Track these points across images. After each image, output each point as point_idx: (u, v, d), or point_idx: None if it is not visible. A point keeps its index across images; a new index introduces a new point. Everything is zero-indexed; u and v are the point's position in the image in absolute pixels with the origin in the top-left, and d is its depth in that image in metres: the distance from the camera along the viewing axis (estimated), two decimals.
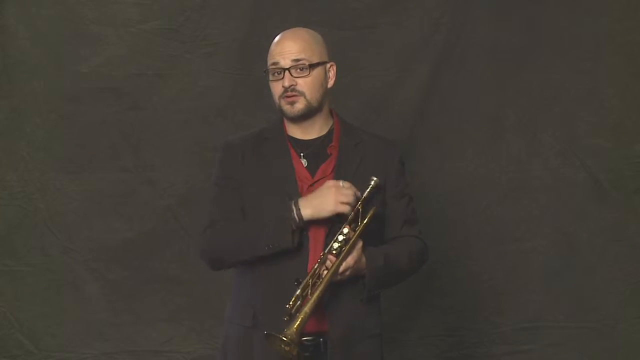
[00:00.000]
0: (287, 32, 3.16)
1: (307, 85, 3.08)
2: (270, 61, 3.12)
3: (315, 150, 3.13)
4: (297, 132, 3.15)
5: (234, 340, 3.11)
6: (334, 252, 2.96)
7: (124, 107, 4.18)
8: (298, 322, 2.88)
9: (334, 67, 3.16)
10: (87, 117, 4.17)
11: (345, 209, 2.99)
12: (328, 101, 3.17)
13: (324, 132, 3.15)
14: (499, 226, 4.17)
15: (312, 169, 3.10)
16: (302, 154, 3.13)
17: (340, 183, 3.00)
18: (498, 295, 4.17)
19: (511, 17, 4.15)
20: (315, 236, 3.04)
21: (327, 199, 2.99)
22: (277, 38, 3.15)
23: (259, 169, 3.11)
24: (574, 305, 4.15)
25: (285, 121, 3.18)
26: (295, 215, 3.00)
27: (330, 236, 3.02)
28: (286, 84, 3.07)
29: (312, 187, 3.08)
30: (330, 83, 3.16)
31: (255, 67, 4.05)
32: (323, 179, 3.09)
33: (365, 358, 3.07)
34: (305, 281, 2.94)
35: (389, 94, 4.19)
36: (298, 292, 2.93)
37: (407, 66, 4.17)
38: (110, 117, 4.18)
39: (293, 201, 3.01)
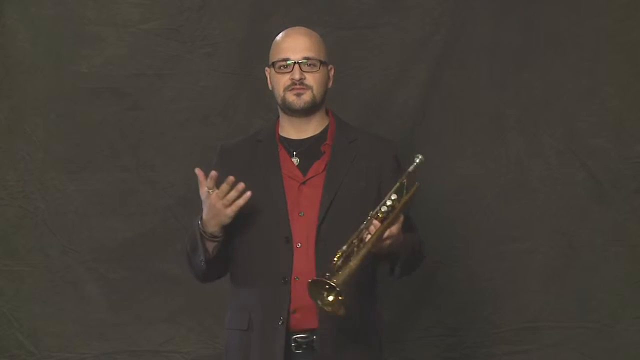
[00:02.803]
0: (296, 29, 3.19)
1: (315, 80, 3.11)
2: (278, 56, 3.13)
3: (308, 148, 3.14)
4: (291, 131, 3.17)
5: (233, 346, 3.13)
6: (380, 216, 2.93)
7: (124, 107, 4.18)
8: (346, 272, 2.80)
9: (333, 70, 3.20)
10: (87, 117, 4.18)
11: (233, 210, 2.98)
12: (325, 102, 3.19)
13: (318, 132, 3.17)
14: (499, 226, 4.17)
15: (304, 167, 3.12)
16: (294, 153, 3.13)
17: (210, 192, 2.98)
18: (498, 295, 4.17)
19: (511, 17, 4.15)
20: (300, 234, 3.05)
21: (206, 209, 3.00)
22: (283, 34, 3.17)
23: (251, 172, 3.12)
24: (574, 305, 4.15)
25: (280, 121, 3.19)
26: (201, 229, 3.04)
27: (322, 230, 3.03)
28: (297, 76, 3.08)
29: (303, 185, 3.09)
30: (330, 84, 3.19)
31: (255, 67, 4.05)
32: (315, 176, 3.10)
33: (360, 356, 3.07)
34: (350, 240, 2.89)
35: (389, 94, 4.19)
36: (344, 247, 2.88)
37: (407, 66, 4.17)
38: (110, 117, 4.18)
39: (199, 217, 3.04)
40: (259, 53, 3.99)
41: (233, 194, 2.98)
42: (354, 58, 4.14)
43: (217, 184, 3.13)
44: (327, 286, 2.80)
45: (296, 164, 3.13)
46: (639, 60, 4.14)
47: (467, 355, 4.16)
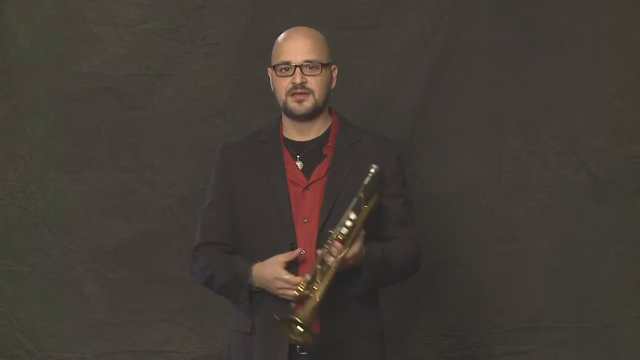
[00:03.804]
0: (297, 30, 3.15)
1: (317, 84, 3.07)
2: (279, 59, 3.10)
3: (311, 151, 3.12)
4: (294, 133, 3.15)
5: (235, 348, 3.12)
6: (341, 238, 2.91)
7: (124, 107, 4.18)
8: (311, 307, 2.82)
9: (337, 70, 3.17)
10: (87, 117, 4.17)
11: (289, 294, 2.96)
12: (328, 103, 3.18)
13: (321, 133, 3.14)
14: (499, 226, 4.17)
15: (307, 171, 3.10)
16: (298, 157, 3.12)
17: (284, 276, 2.95)
18: (498, 295, 4.17)
19: (511, 17, 4.15)
20: (304, 240, 3.04)
21: (270, 286, 2.99)
22: (284, 35, 3.14)
23: (254, 174, 3.11)
24: (574, 305, 4.15)
25: (283, 122, 3.17)
26: (250, 281, 3.03)
27: (322, 236, 3.01)
28: (298, 80, 3.05)
29: (306, 189, 3.07)
30: (333, 85, 3.17)
31: (255, 67, 4.06)
32: (317, 180, 3.08)
33: (362, 358, 3.06)
34: (313, 268, 2.90)
35: (389, 94, 4.18)
36: (308, 276, 2.88)
37: (407, 66, 4.17)
38: (110, 117, 4.18)
39: (252, 267, 3.01)
40: (259, 53, 4.00)
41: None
42: (354, 58, 4.14)
43: (225, 186, 3.12)
44: (294, 322, 2.80)
45: (300, 167, 3.11)
46: (639, 60, 4.14)
47: (467, 355, 4.16)
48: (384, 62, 4.17)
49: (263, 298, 3.05)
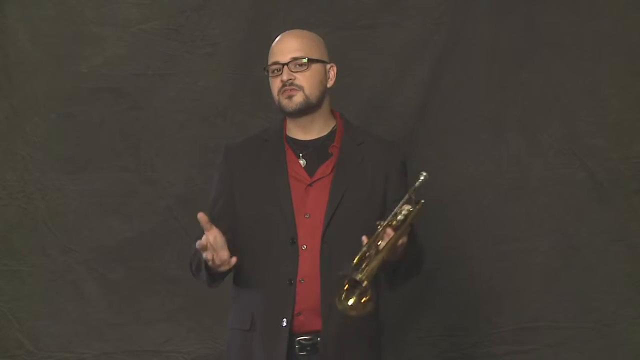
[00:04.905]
0: (288, 32, 3.21)
1: (305, 79, 3.10)
2: (270, 60, 3.15)
3: (315, 150, 3.14)
4: (297, 132, 3.17)
5: (235, 345, 3.13)
6: (394, 224, 2.90)
7: (124, 107, 4.18)
8: (373, 265, 2.78)
9: (335, 69, 3.19)
10: (87, 117, 4.18)
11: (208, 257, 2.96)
12: (329, 102, 3.18)
13: (325, 133, 3.16)
14: (499, 226, 4.17)
15: (310, 168, 3.11)
16: (300, 154, 3.13)
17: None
18: (498, 295, 4.17)
19: (511, 17, 4.15)
20: (306, 235, 3.05)
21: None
22: (276, 39, 3.19)
23: (256, 172, 3.12)
24: (574, 305, 4.15)
25: (287, 121, 3.19)
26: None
27: (328, 231, 3.03)
28: (284, 77, 3.09)
29: (310, 187, 3.09)
30: (330, 83, 3.18)
31: (255, 67, 4.06)
32: (322, 178, 3.09)
33: (362, 356, 3.06)
34: (368, 243, 2.86)
35: (389, 94, 4.19)
36: (365, 248, 2.85)
37: (407, 66, 4.17)
38: (110, 117, 4.18)
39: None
40: (259, 53, 3.98)
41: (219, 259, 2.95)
42: (354, 58, 4.14)
43: (226, 185, 3.13)
44: (354, 282, 2.77)
45: (303, 165, 3.12)
46: (639, 61, 4.14)
47: (467, 355, 4.16)
48: (384, 62, 4.17)
49: (260, 294, 3.05)
